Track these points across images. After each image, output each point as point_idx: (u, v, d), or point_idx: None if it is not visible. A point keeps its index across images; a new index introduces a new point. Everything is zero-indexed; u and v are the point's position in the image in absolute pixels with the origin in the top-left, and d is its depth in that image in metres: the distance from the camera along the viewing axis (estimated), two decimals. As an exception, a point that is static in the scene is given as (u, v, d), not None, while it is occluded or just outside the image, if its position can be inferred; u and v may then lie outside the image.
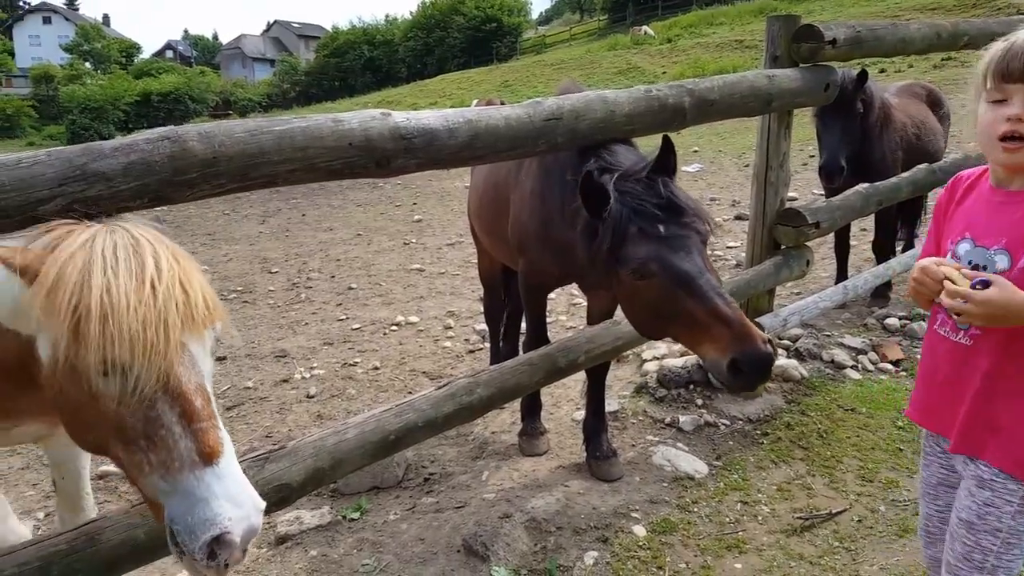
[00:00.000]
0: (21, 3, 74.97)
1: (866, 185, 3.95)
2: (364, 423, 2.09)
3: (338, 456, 1.99)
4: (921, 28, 3.88)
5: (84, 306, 1.23)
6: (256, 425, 4.19)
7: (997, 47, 1.56)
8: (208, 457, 1.27)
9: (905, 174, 4.33)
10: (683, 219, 2.17)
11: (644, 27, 38.98)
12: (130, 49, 72.93)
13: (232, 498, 1.26)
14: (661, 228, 2.13)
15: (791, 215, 3.43)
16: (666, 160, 2.26)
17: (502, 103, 2.73)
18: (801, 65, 3.29)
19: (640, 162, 2.39)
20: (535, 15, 71.07)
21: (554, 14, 78.37)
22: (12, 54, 64.21)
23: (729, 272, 6.12)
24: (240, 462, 1.83)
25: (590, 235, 2.28)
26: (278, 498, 1.86)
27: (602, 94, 2.55)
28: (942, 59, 19.06)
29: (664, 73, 29.05)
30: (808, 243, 3.59)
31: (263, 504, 1.32)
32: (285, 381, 4.82)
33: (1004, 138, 1.53)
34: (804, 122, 4.90)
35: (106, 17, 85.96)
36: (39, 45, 69.44)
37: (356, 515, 3.13)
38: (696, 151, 14.32)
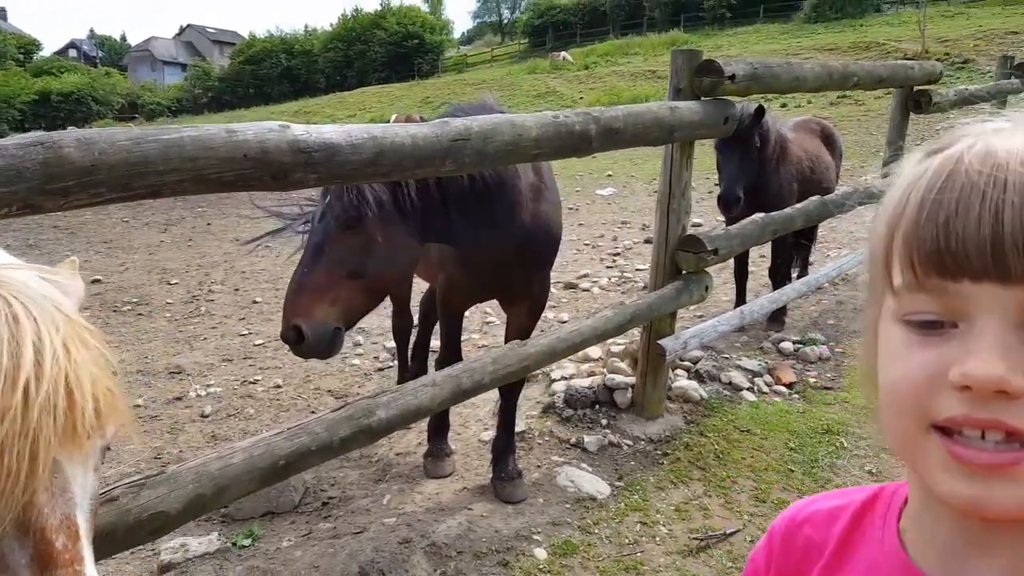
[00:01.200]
0: (-94, -10, 69.96)
1: (762, 215, 4.12)
2: (253, 447, 1.99)
3: (222, 483, 1.88)
4: (814, 68, 4.09)
5: None
6: (145, 445, 3.96)
7: (909, 188, 0.61)
8: None
9: (799, 205, 4.54)
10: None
11: (563, 53, 39.82)
12: (29, 46, 69.03)
13: None
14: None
15: (691, 241, 3.53)
16: None
17: (422, 119, 2.71)
18: (703, 98, 3.41)
19: None
20: (457, 34, 71.50)
21: (476, 35, 79.03)
22: None
23: (638, 294, 6.25)
24: (113, 488, 1.73)
25: None
26: (153, 527, 1.75)
27: (511, 117, 2.55)
28: (838, 96, 20.31)
29: (581, 98, 29.67)
30: (708, 269, 3.70)
31: None
32: (179, 399, 4.60)
33: (952, 429, 0.57)
34: (708, 152, 5.08)
35: (2, 11, 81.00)
36: None
37: (247, 542, 3.00)
38: (610, 175, 14.66)
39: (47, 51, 75.42)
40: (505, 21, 69.64)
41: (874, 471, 3.33)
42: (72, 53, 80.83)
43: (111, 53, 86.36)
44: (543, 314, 3.57)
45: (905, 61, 5.30)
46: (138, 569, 2.91)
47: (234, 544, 2.97)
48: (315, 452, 2.11)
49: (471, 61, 53.51)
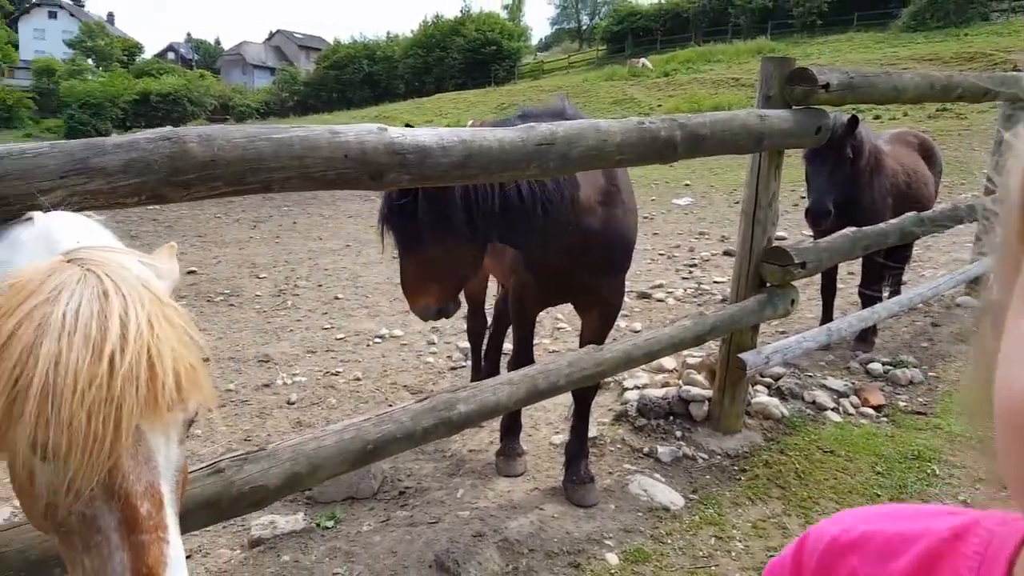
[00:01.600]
0: (28, -3, 74.90)
1: (854, 229, 4.00)
2: (343, 431, 2.09)
3: (316, 462, 1.98)
4: (914, 78, 3.95)
5: (26, 379, 0.97)
6: (236, 428, 4.16)
7: None
8: None
9: (894, 221, 4.38)
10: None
11: (642, 59, 39.46)
12: (132, 48, 72.98)
13: None
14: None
15: (778, 253, 3.47)
16: None
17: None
18: (794, 107, 3.35)
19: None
20: (535, 41, 71.73)
21: (554, 41, 79.07)
22: (16, 46, 64.09)
23: (715, 307, 6.16)
24: (220, 460, 1.84)
25: None
26: (254, 500, 1.86)
27: (595, 123, 2.58)
28: (936, 109, 19.42)
29: (660, 106, 29.36)
30: (794, 283, 3.63)
31: None
32: (267, 386, 4.80)
33: None
34: (795, 163, 4.98)
35: (111, 15, 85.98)
36: (43, 39, 69.20)
37: (330, 524, 3.12)
38: (688, 185, 14.47)
39: (148, 54, 79.60)
40: (584, 27, 69.52)
41: (969, 501, 3.20)
42: (170, 56, 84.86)
43: (206, 56, 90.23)
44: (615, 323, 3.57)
45: (1017, 72, 5.05)
46: (230, 542, 3.06)
47: (318, 525, 3.09)
48: (400, 439, 2.19)
49: (547, 68, 53.59)
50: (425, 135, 2.12)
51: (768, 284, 3.56)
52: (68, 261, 1.07)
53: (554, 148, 2.43)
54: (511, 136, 2.35)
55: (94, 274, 1.04)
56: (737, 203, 12.06)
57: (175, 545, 1.02)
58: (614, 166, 2.72)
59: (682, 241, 9.53)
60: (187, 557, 2.86)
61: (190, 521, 1.78)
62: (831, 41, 36.96)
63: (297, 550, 2.93)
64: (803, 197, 4.44)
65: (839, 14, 39.42)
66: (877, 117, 19.22)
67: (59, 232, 1.21)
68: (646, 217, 10.99)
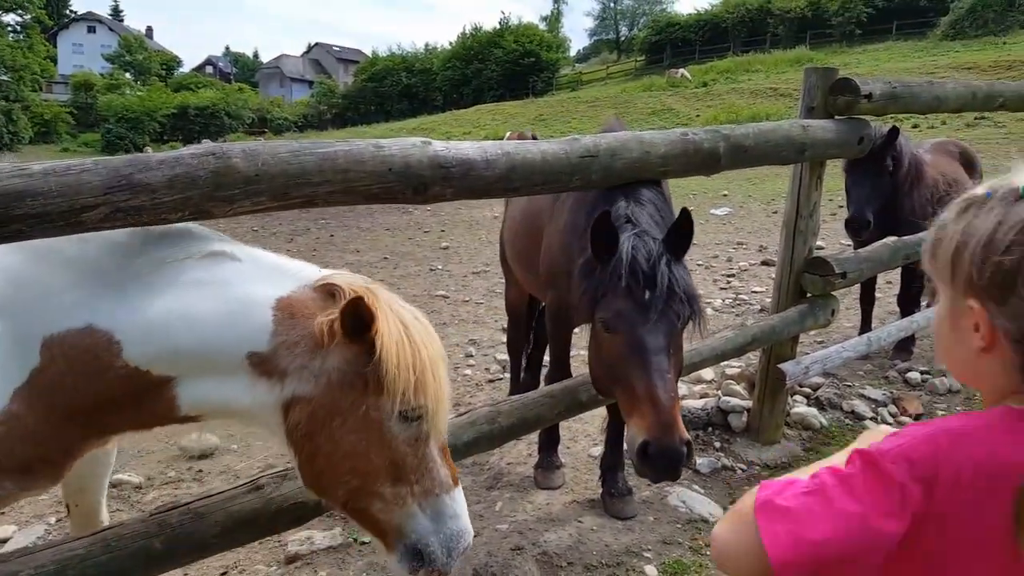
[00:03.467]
0: (68, 12, 76.66)
1: (894, 239, 3.94)
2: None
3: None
4: (956, 87, 3.89)
5: (421, 363, 1.48)
6: (271, 448, 4.19)
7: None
8: (455, 480, 1.59)
9: (934, 230, 4.30)
10: (670, 298, 2.22)
11: (681, 70, 39.30)
12: (171, 62, 74.42)
13: (467, 513, 1.59)
14: (647, 295, 2.17)
15: (818, 264, 3.43)
16: (682, 234, 2.30)
17: (534, 136, 2.80)
18: (836, 117, 3.31)
19: (659, 223, 2.49)
20: (573, 52, 71.89)
21: (592, 52, 79.16)
22: (55, 60, 65.40)
23: (753, 317, 6.09)
24: (259, 478, 1.87)
25: (587, 272, 2.37)
26: (295, 516, 1.88)
27: (639, 135, 2.58)
28: (975, 118, 19.04)
29: (698, 116, 29.19)
30: (834, 293, 3.58)
31: None
32: (305, 399, 4.84)
33: None
34: (834, 172, 4.91)
35: (149, 29, 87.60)
36: (82, 53, 70.17)
37: (367, 539, 3.12)
38: (726, 195, 14.33)
39: (186, 67, 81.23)
40: (622, 38, 69.51)
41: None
42: (208, 70, 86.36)
43: (244, 70, 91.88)
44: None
45: (1059, 79, 4.94)
46: (266, 558, 3.08)
47: (355, 540, 3.11)
48: (440, 453, 2.19)
49: (586, 79, 53.64)
50: (469, 148, 2.14)
51: (808, 294, 3.52)
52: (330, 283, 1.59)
53: (597, 160, 2.44)
54: (554, 148, 2.36)
55: (381, 290, 1.61)
56: (775, 213, 11.97)
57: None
58: (658, 177, 2.71)
59: (720, 251, 9.45)
60: (223, 574, 2.91)
61: (229, 539, 1.80)
62: (870, 50, 36.48)
63: (334, 566, 2.94)
64: (841, 207, 4.38)
65: (878, 23, 38.96)
66: (915, 126, 18.88)
67: (278, 260, 1.67)
68: (682, 228, 10.90)
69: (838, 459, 1.01)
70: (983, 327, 0.96)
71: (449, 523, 1.54)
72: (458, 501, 1.57)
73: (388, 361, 1.43)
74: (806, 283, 3.47)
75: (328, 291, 1.57)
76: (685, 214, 2.28)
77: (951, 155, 5.32)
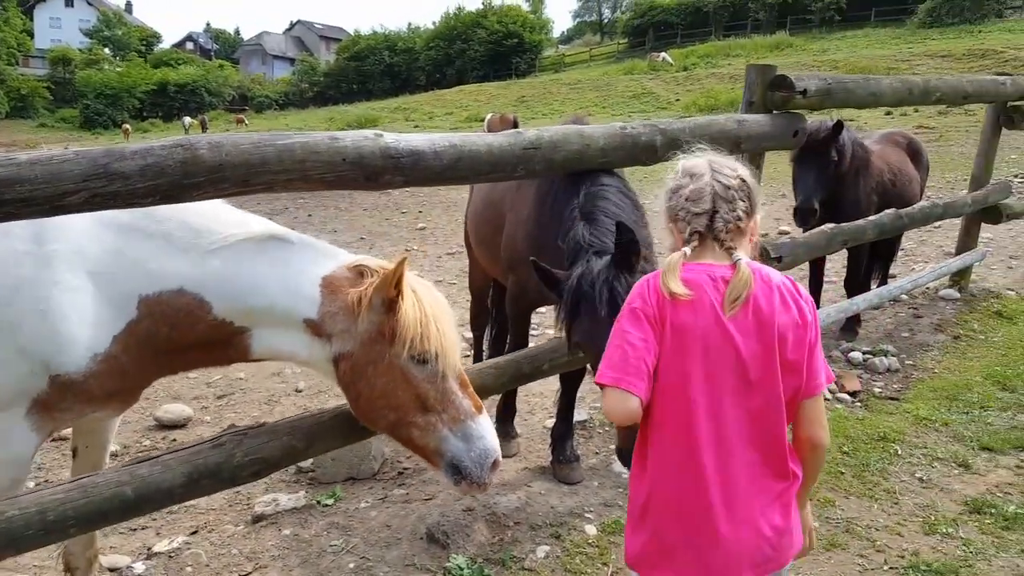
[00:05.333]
0: (44, -16, 74.69)
1: (832, 225, 4.19)
2: (338, 409, 2.32)
3: (312, 436, 2.22)
4: (892, 83, 4.13)
5: (426, 318, 1.93)
6: (244, 414, 4.40)
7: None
8: (478, 409, 2.02)
9: (872, 217, 4.57)
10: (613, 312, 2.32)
11: (662, 53, 39.45)
12: (150, 38, 73.02)
13: (493, 434, 2.00)
14: (603, 312, 2.29)
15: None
16: (626, 254, 2.35)
17: (515, 118, 2.99)
18: (774, 112, 3.54)
19: (623, 209, 2.69)
20: (556, 34, 71.59)
21: (575, 34, 78.89)
22: (31, 35, 63.60)
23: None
24: (221, 436, 2.08)
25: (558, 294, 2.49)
26: (254, 470, 2.08)
27: (580, 128, 2.79)
28: (947, 105, 19.42)
29: (678, 100, 29.37)
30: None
31: None
32: (276, 374, 5.05)
33: None
34: (774, 159, 5.14)
35: (128, 4, 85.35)
36: (59, 28, 68.09)
37: (330, 501, 3.35)
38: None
39: (166, 43, 79.66)
40: (605, 21, 69.39)
41: (924, 479, 3.40)
42: (189, 46, 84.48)
43: (225, 46, 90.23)
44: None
45: (997, 76, 5.19)
46: (235, 518, 3.30)
47: (318, 502, 3.33)
48: (392, 418, 2.41)
49: (568, 61, 53.65)
50: (418, 140, 2.34)
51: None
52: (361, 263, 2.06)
53: (540, 152, 2.65)
54: (499, 141, 2.57)
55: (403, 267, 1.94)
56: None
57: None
58: (597, 168, 2.91)
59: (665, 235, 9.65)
60: (193, 532, 3.13)
61: (195, 487, 2.01)
62: (848, 37, 36.85)
63: (297, 525, 3.17)
64: (783, 194, 4.62)
65: (858, 9, 39.22)
66: (888, 113, 19.22)
67: (320, 245, 2.13)
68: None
69: None
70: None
71: (477, 443, 1.95)
72: (483, 425, 1.98)
73: (403, 319, 1.89)
74: (744, 267, 3.71)
75: (359, 271, 2.02)
76: (624, 236, 2.30)
77: (898, 145, 5.57)
